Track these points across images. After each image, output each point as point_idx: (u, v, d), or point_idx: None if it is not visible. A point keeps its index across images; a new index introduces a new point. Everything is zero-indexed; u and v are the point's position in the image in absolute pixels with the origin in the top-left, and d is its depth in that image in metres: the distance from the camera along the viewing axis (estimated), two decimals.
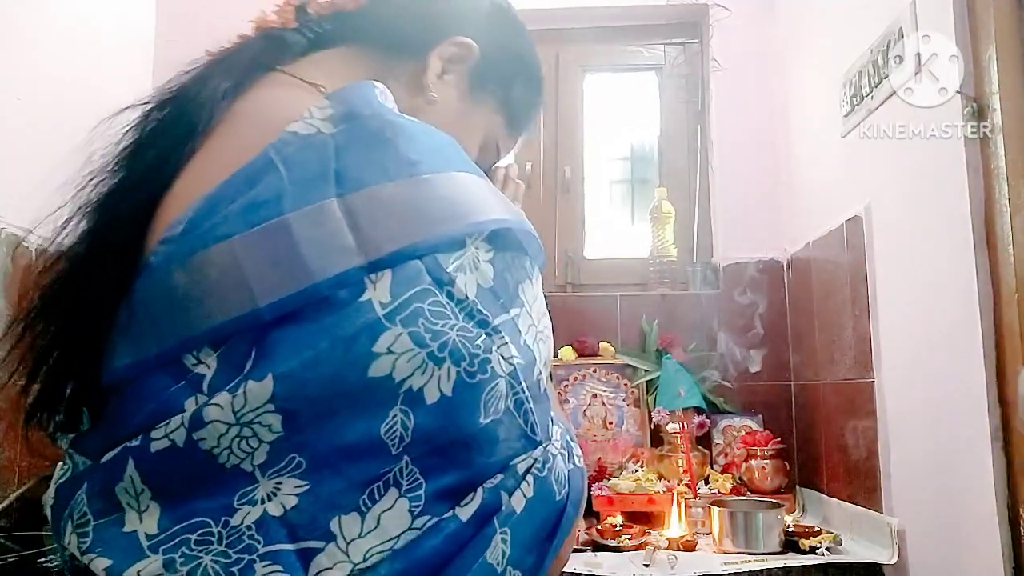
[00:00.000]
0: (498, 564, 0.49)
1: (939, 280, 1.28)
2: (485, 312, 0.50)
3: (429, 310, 0.48)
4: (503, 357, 0.50)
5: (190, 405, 0.46)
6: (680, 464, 1.86)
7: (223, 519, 0.46)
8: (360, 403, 0.46)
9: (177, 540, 0.46)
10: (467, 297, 0.50)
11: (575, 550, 1.45)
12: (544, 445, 0.53)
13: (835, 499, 1.72)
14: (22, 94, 1.70)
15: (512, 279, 0.53)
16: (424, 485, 0.48)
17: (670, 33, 2.34)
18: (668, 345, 2.02)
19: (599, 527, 1.64)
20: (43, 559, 1.28)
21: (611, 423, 2.02)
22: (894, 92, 1.39)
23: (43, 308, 0.54)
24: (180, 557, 0.46)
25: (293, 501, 0.46)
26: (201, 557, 0.46)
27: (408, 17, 0.67)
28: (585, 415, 2.02)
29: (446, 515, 0.48)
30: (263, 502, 0.46)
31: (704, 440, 1.99)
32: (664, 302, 2.09)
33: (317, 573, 0.46)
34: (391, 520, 0.47)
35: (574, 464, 0.57)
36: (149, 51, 2.27)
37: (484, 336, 0.49)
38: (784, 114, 2.12)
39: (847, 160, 1.68)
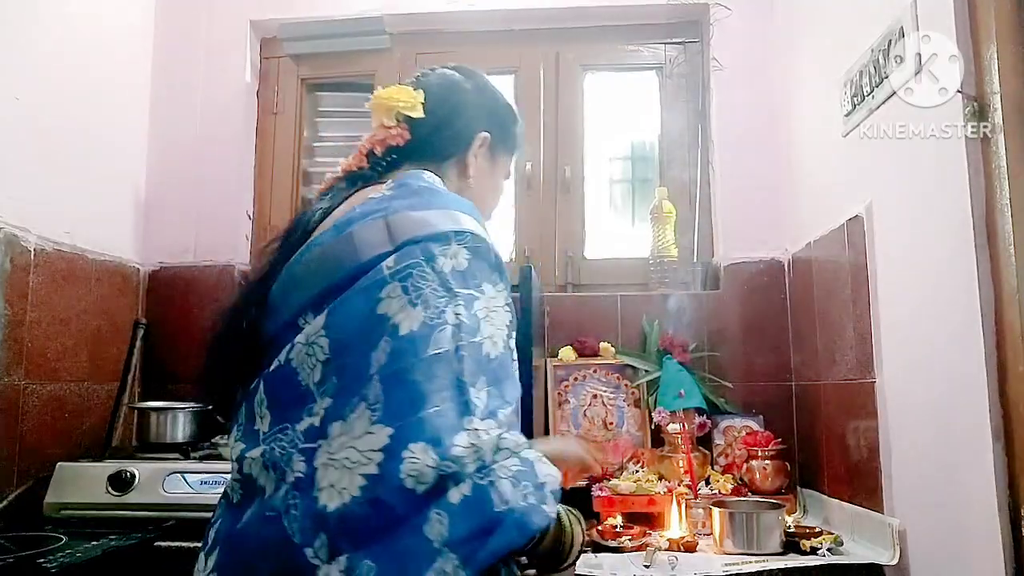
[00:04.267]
0: (435, 540, 0.67)
1: (940, 280, 1.28)
2: (452, 283, 0.77)
3: (416, 274, 0.76)
4: (455, 313, 0.75)
5: None
6: (681, 465, 1.86)
7: (294, 425, 0.75)
8: (367, 336, 0.74)
9: (275, 436, 0.77)
10: (443, 271, 0.77)
11: None
12: (481, 419, 0.72)
13: (836, 500, 1.71)
14: (22, 94, 1.70)
15: (480, 276, 0.80)
16: (383, 405, 0.71)
17: (670, 33, 2.34)
18: (668, 345, 2.02)
19: (600, 528, 1.64)
20: (42, 559, 1.27)
21: (611, 423, 2.02)
22: (895, 92, 1.39)
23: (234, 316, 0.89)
24: (270, 447, 0.76)
25: (323, 414, 0.74)
26: (274, 448, 0.76)
27: (443, 137, 1.01)
28: (585, 415, 2.02)
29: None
30: (311, 416, 0.75)
31: (705, 441, 1.99)
32: (664, 302, 2.09)
33: (321, 464, 0.71)
34: (363, 437, 0.70)
35: (549, 505, 0.73)
36: (148, 51, 2.27)
37: (446, 296, 0.76)
38: (784, 114, 2.11)
39: (848, 160, 1.68)
